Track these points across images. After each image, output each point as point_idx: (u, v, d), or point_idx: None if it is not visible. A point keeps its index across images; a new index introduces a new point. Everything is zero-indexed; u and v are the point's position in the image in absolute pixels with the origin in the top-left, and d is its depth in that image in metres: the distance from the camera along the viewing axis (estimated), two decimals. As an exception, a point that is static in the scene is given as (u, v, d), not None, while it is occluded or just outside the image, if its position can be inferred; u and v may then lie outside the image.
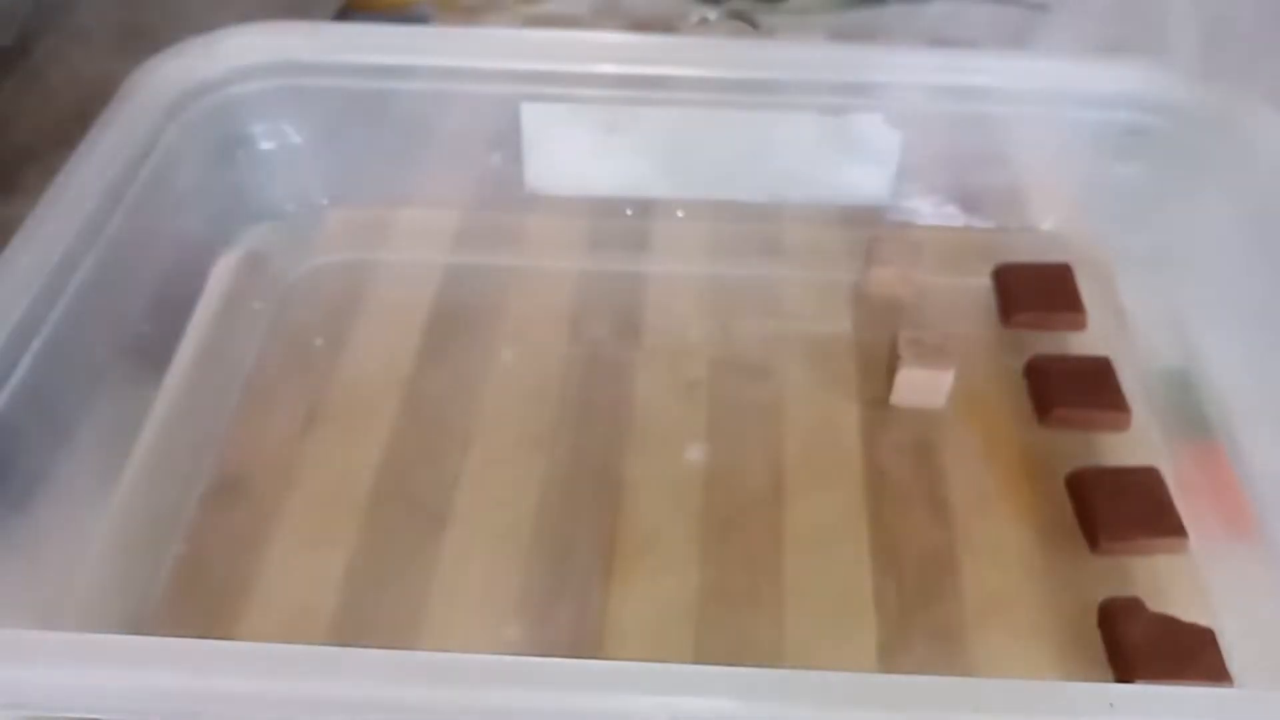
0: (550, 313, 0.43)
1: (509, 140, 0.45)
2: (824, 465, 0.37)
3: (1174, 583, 0.34)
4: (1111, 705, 0.24)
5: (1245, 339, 0.41)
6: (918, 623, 0.33)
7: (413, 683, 0.24)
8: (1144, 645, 0.31)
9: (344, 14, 0.62)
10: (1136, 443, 0.38)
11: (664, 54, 0.44)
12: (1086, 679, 0.32)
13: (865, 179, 0.46)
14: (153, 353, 0.39)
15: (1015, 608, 0.34)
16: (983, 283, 0.44)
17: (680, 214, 0.47)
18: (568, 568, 0.34)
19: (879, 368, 0.41)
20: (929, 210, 0.47)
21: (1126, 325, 0.43)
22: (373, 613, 0.33)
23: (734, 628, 0.33)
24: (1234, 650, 0.32)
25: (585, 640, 0.32)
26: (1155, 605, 0.33)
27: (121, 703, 0.24)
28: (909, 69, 0.44)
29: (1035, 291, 0.42)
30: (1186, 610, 0.32)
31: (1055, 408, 0.38)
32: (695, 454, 0.38)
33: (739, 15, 0.63)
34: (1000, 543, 0.35)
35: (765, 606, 0.33)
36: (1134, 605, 0.33)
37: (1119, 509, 0.35)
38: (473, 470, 0.37)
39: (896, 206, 0.47)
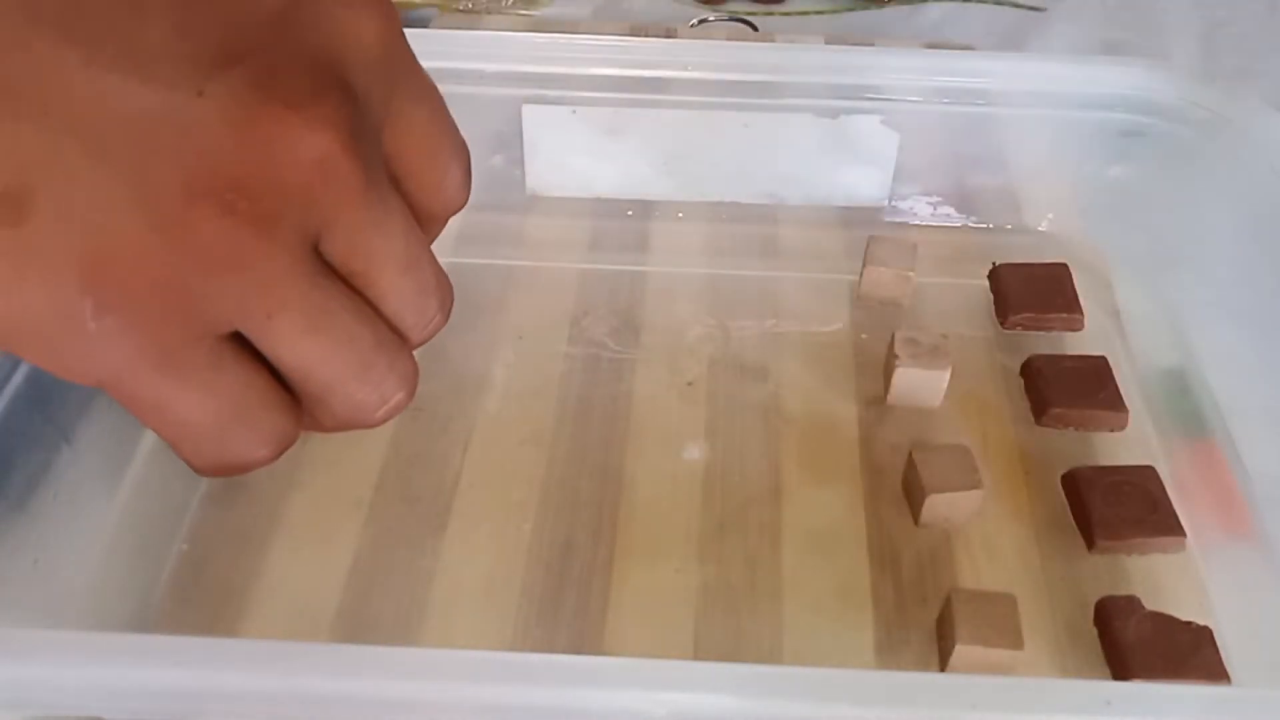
0: (551, 313, 0.43)
1: (510, 142, 0.46)
2: (822, 464, 0.38)
3: (1171, 581, 0.35)
4: (1109, 703, 0.24)
5: (1242, 338, 0.41)
6: (915, 620, 0.33)
7: (414, 679, 0.25)
8: (1141, 643, 0.32)
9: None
10: (1133, 442, 0.39)
11: (664, 56, 0.44)
12: (1083, 677, 0.32)
13: (863, 180, 0.46)
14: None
15: (1012, 606, 0.34)
16: (980, 283, 0.44)
17: (680, 215, 0.47)
18: (568, 565, 0.34)
19: (876, 367, 0.41)
20: (926, 211, 0.47)
21: (1123, 325, 0.43)
22: (374, 611, 0.33)
23: (733, 625, 0.33)
24: (1231, 648, 0.32)
25: (585, 637, 0.33)
26: (1152, 604, 0.33)
27: (124, 701, 0.24)
28: (907, 71, 0.44)
29: (1032, 292, 0.42)
30: (1183, 608, 0.33)
31: (1052, 407, 0.38)
32: (694, 453, 0.38)
33: (738, 18, 0.63)
34: (997, 541, 0.36)
35: (763, 603, 0.34)
36: (1131, 604, 0.33)
37: (1115, 508, 0.35)
38: (473, 470, 0.37)
39: (894, 207, 0.47)
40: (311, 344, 0.21)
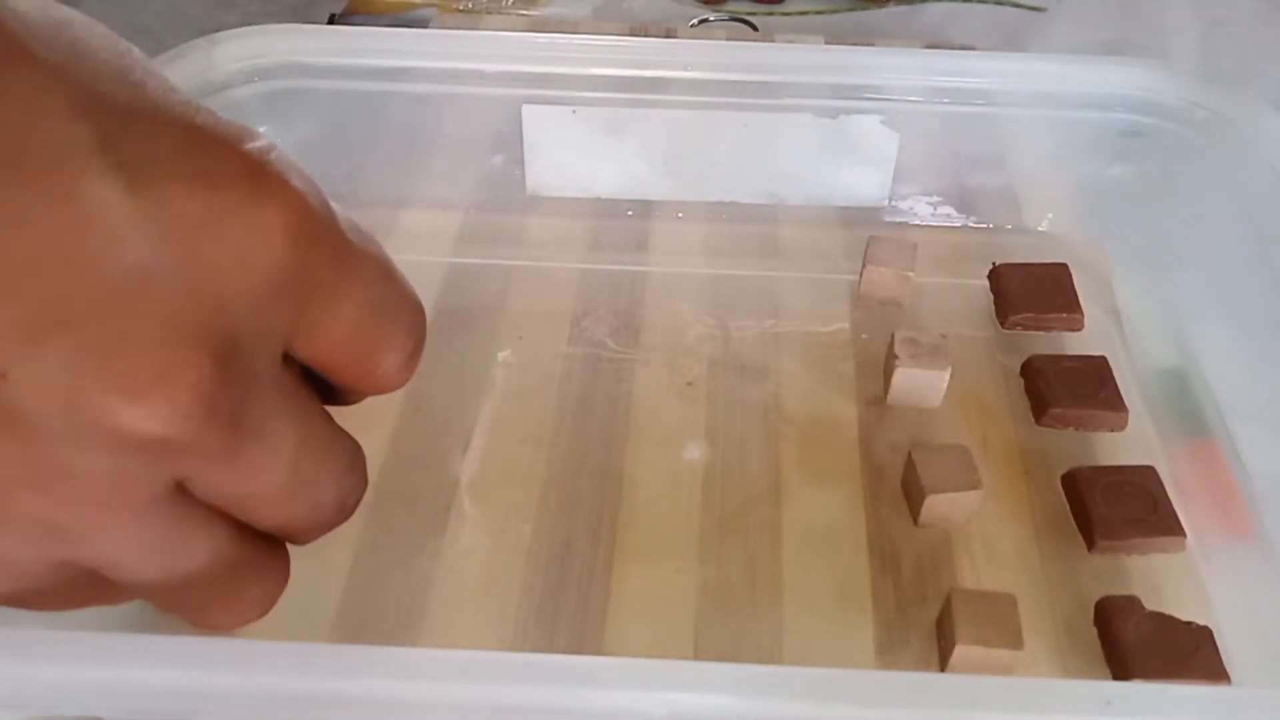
0: (551, 313, 0.43)
1: (510, 142, 0.46)
2: (822, 464, 0.38)
3: (1171, 581, 0.35)
4: (1109, 703, 0.24)
5: (1242, 338, 0.41)
6: (915, 620, 0.33)
7: (413, 680, 0.25)
8: (1141, 644, 0.32)
9: (345, 16, 0.63)
10: (1133, 442, 0.39)
11: (664, 56, 0.44)
12: (1083, 677, 0.32)
13: (863, 180, 0.46)
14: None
15: (1012, 606, 0.34)
16: (980, 283, 0.44)
17: (680, 215, 0.47)
18: (568, 565, 0.34)
19: (876, 367, 0.41)
20: (926, 211, 0.47)
21: (1123, 325, 0.43)
22: (374, 611, 0.33)
23: (733, 625, 0.33)
24: (1231, 648, 0.32)
25: (585, 637, 0.33)
26: (1152, 604, 0.33)
27: (124, 701, 0.24)
28: (907, 71, 0.44)
29: (1032, 292, 0.42)
30: (1183, 609, 0.33)
31: (1052, 407, 0.38)
32: (694, 453, 0.38)
33: (738, 18, 0.63)
34: (997, 542, 0.36)
35: (764, 604, 0.34)
36: (1131, 604, 0.33)
37: (1115, 508, 0.35)
38: (473, 470, 0.37)
39: (894, 207, 0.47)
40: (153, 577, 0.20)
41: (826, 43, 0.59)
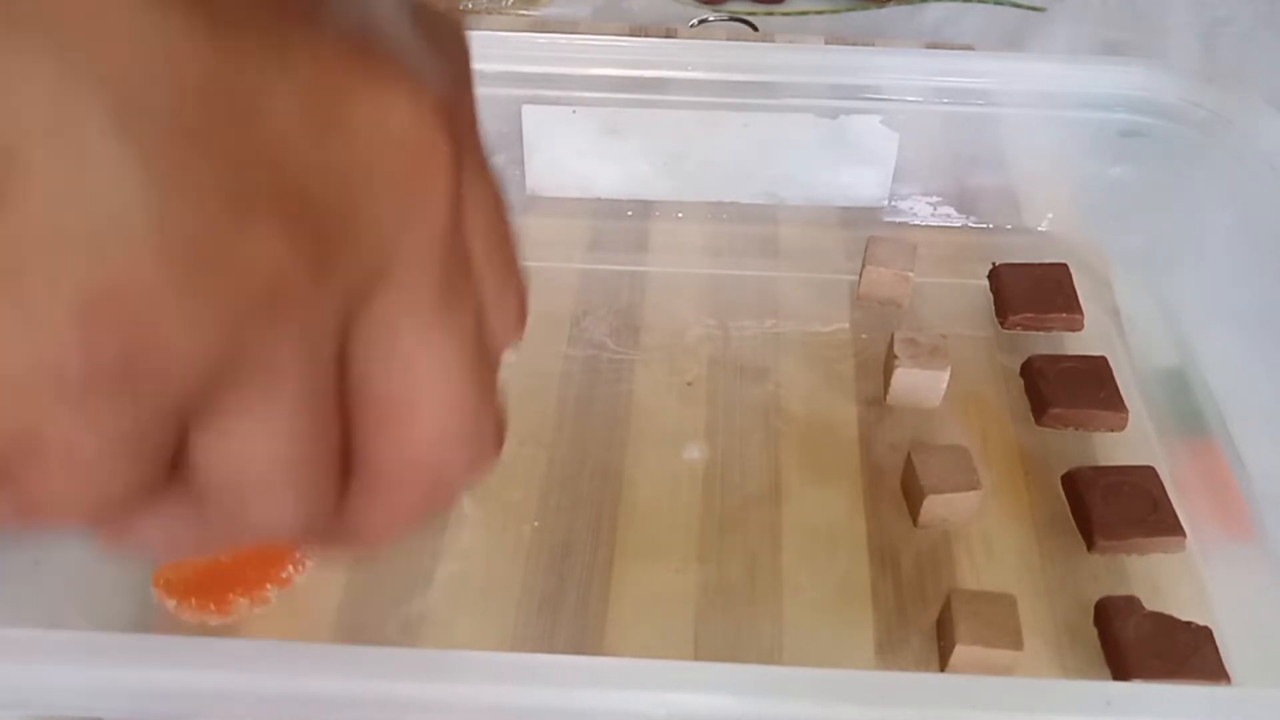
0: (551, 312, 0.43)
1: (510, 142, 0.46)
2: (821, 464, 0.38)
3: (1171, 581, 0.35)
4: (1109, 703, 0.24)
5: (1241, 338, 0.41)
6: (915, 620, 0.33)
7: (413, 680, 0.25)
8: (1141, 643, 0.32)
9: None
10: (1133, 442, 0.39)
11: (663, 57, 0.44)
12: (1083, 677, 0.32)
13: (863, 180, 0.46)
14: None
15: (1012, 606, 0.34)
16: (980, 283, 0.44)
17: (680, 215, 0.47)
18: (568, 565, 0.34)
19: (876, 367, 0.41)
20: (926, 211, 0.47)
21: (1123, 325, 0.43)
22: (374, 611, 0.33)
23: (733, 625, 0.33)
24: (1231, 648, 0.32)
25: (585, 637, 0.33)
26: (1152, 604, 0.33)
27: (124, 701, 0.24)
28: (907, 71, 0.44)
29: (1032, 292, 0.42)
30: (1183, 609, 0.33)
31: (1052, 407, 0.38)
32: (694, 453, 0.38)
33: (738, 18, 0.63)
34: (997, 541, 0.36)
35: (763, 604, 0.34)
36: (1131, 604, 0.33)
37: (1115, 508, 0.35)
38: (473, 470, 0.37)
39: (894, 207, 0.47)
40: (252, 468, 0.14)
41: (826, 43, 0.59)
